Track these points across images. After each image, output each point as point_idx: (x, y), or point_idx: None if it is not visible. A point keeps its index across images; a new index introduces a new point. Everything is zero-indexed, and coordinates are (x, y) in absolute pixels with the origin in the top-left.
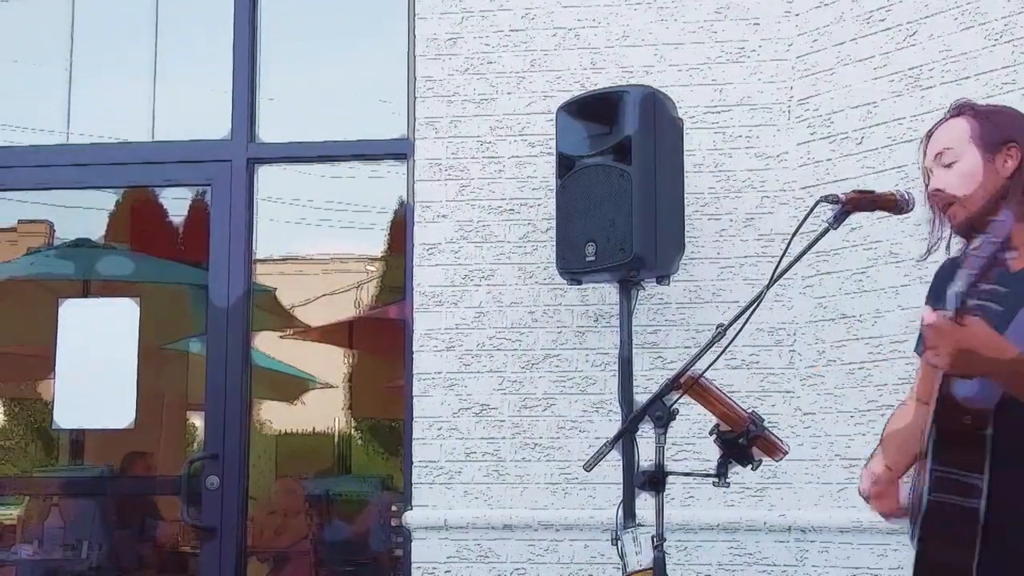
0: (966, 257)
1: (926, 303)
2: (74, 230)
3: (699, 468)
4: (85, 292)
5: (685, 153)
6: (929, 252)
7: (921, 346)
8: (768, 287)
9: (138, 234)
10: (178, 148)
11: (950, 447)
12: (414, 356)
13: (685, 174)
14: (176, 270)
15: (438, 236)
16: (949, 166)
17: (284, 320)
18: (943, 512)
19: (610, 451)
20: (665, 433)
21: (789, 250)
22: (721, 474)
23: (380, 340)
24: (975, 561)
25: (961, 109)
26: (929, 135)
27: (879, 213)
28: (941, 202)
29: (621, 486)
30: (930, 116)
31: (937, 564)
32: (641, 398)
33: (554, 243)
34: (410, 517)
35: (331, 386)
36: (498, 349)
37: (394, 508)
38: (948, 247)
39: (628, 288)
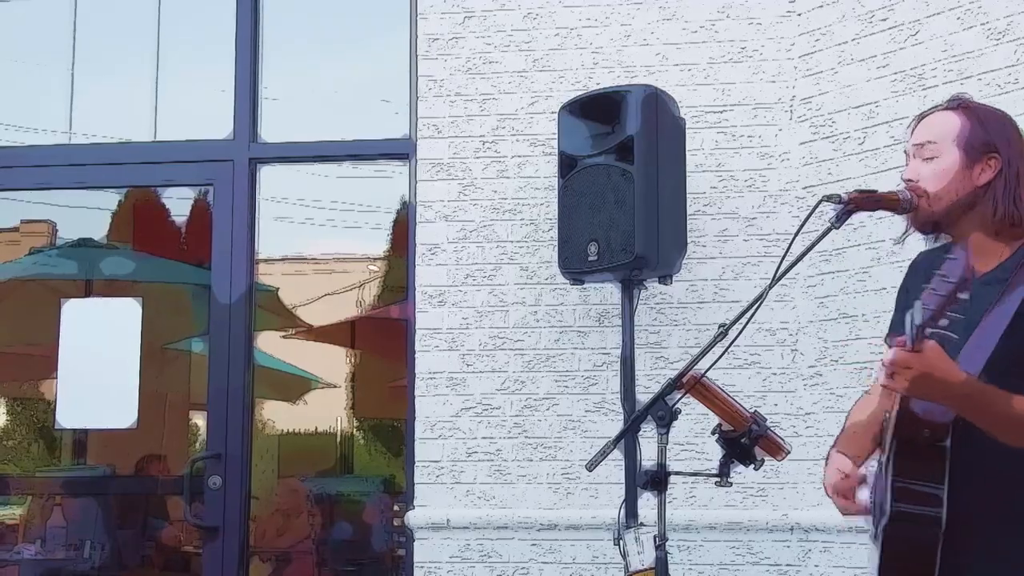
0: (924, 292)
1: (901, 292)
2: (76, 230)
3: (701, 468)
4: (87, 292)
5: (687, 153)
6: (905, 236)
7: (890, 334)
8: (770, 287)
9: (140, 234)
10: (180, 148)
11: (909, 459)
12: (416, 356)
13: (687, 174)
14: (178, 270)
15: (440, 236)
16: (928, 160)
17: (286, 320)
18: (905, 521)
19: (612, 451)
20: (667, 433)
21: (791, 250)
22: (723, 474)
23: (382, 340)
24: (936, 569)
25: (958, 104)
26: (920, 119)
27: (881, 212)
28: (910, 191)
29: (623, 486)
30: None
31: (899, 570)
32: (643, 398)
33: (556, 243)
34: (412, 517)
35: (333, 386)
36: (500, 349)
37: (396, 508)
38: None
39: (630, 288)
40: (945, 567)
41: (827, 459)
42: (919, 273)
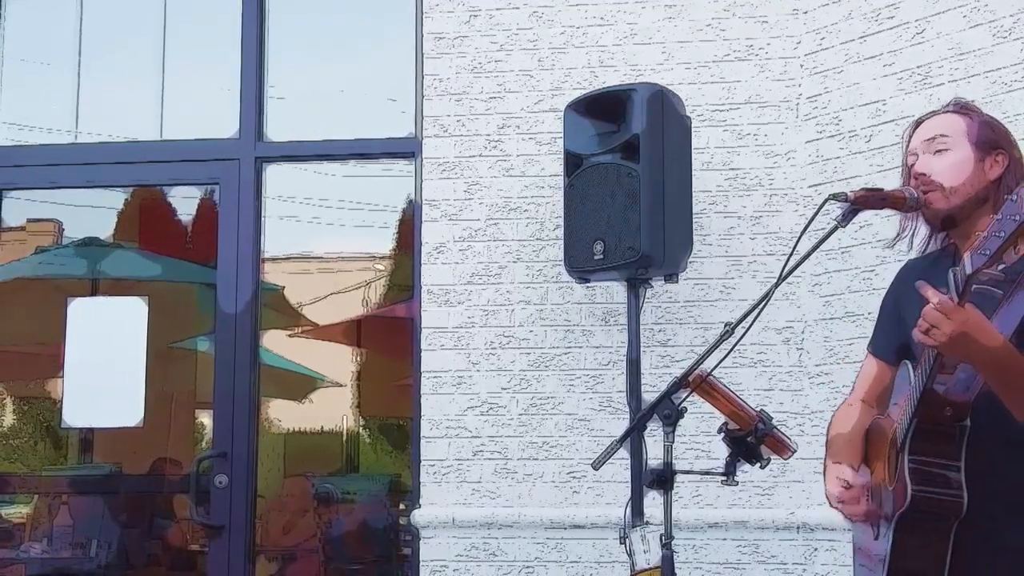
0: (977, 240)
1: (889, 301)
2: (82, 229)
3: (708, 467)
4: (93, 291)
5: (693, 151)
6: (899, 238)
7: (875, 344)
8: (776, 285)
9: (146, 233)
10: (186, 147)
11: (929, 440)
12: (422, 354)
13: (693, 172)
14: (184, 269)
15: (446, 235)
16: (939, 153)
17: (292, 318)
18: (927, 504)
19: (618, 449)
20: (673, 431)
21: (797, 248)
22: (729, 472)
23: (388, 338)
24: (949, 550)
25: (958, 107)
26: (918, 123)
27: (888, 211)
28: (923, 187)
29: (629, 484)
30: None
31: (913, 556)
32: (649, 396)
33: (562, 242)
34: (418, 515)
35: (339, 384)
36: (506, 348)
37: (402, 506)
38: (914, 235)
39: (636, 286)
40: (953, 557)
41: (824, 471)
42: (912, 279)
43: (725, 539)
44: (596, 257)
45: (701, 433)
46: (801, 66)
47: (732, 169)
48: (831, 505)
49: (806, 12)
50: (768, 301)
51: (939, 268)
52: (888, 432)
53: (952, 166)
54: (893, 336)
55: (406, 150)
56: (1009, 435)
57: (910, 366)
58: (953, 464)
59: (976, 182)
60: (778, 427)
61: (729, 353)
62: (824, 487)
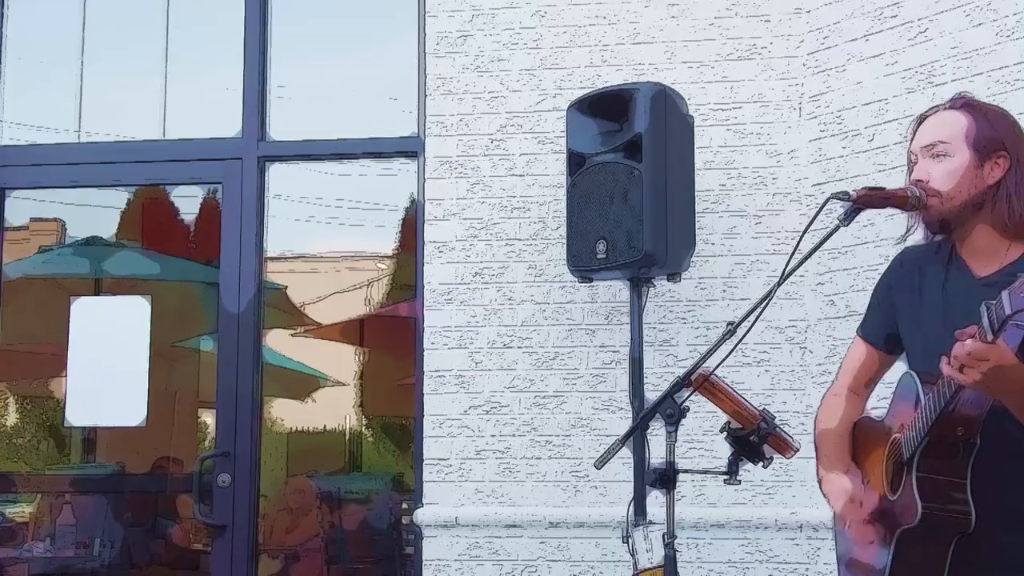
0: (1017, 282)
1: (882, 287)
2: (85, 228)
3: (710, 466)
4: (96, 290)
5: (696, 150)
6: (908, 234)
7: (865, 328)
8: (779, 284)
9: (149, 232)
10: (189, 146)
11: (938, 455)
12: (425, 354)
13: (696, 171)
14: (187, 268)
15: (448, 234)
16: (937, 159)
17: (295, 318)
18: (937, 520)
19: (621, 449)
20: (676, 431)
21: (800, 247)
22: (732, 472)
23: (391, 338)
24: (948, 562)
25: (961, 103)
26: (921, 120)
27: (890, 210)
28: (921, 191)
29: (632, 484)
30: None
31: (914, 568)
32: (652, 396)
33: (565, 241)
34: (421, 515)
35: (342, 384)
36: (508, 347)
37: (405, 506)
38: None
39: (639, 285)
40: (957, 572)
41: (819, 480)
42: (907, 269)
43: (728, 538)
44: (599, 256)
45: (704, 432)
46: (804, 65)
47: (735, 168)
48: (836, 521)
49: (809, 11)
50: (770, 300)
51: (935, 259)
52: (881, 436)
53: (949, 172)
54: (884, 323)
55: (409, 149)
56: (1017, 451)
57: (918, 381)
58: (961, 481)
59: (973, 187)
60: (781, 426)
61: (732, 352)
62: (824, 494)
